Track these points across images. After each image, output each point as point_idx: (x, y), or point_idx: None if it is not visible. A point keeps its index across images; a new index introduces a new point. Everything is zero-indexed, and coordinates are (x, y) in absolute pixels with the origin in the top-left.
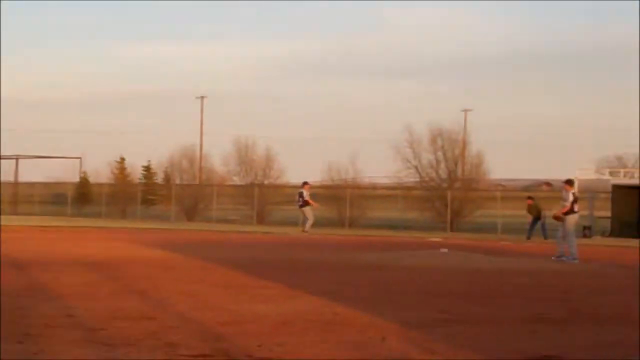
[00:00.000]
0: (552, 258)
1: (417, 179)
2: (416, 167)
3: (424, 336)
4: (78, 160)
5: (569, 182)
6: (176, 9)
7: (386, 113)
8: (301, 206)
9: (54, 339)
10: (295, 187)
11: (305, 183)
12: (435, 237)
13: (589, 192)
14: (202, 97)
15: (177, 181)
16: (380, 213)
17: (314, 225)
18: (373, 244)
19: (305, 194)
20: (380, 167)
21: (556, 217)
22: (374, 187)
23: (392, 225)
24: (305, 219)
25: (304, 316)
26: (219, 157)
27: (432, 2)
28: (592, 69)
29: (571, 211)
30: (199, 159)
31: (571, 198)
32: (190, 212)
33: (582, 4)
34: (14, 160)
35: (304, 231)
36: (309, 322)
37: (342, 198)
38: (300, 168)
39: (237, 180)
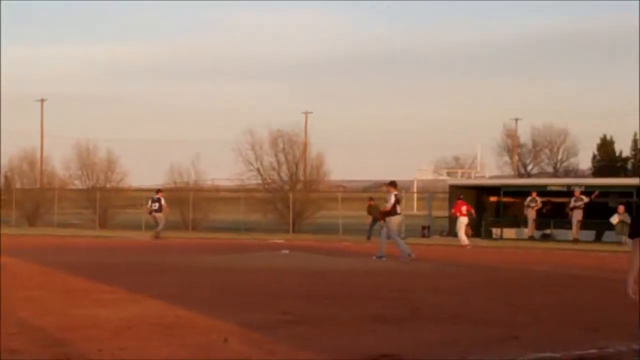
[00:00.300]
0: (373, 257)
1: (260, 181)
2: (258, 170)
3: (266, 337)
4: None
5: (392, 184)
6: (14, 11)
7: (228, 115)
8: (155, 211)
9: None
10: (138, 190)
11: (159, 190)
12: (278, 239)
13: (427, 193)
14: (42, 100)
15: (18, 185)
16: (223, 215)
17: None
18: (216, 246)
19: (163, 200)
20: (223, 170)
21: (379, 218)
22: (216, 189)
23: (235, 228)
24: (157, 225)
25: (146, 320)
26: (60, 161)
27: (273, 4)
28: (429, 71)
29: (393, 212)
30: (39, 163)
31: (393, 199)
32: (32, 217)
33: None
34: None
35: (157, 237)
36: (152, 326)
37: (185, 201)
38: (143, 171)
39: (78, 184)
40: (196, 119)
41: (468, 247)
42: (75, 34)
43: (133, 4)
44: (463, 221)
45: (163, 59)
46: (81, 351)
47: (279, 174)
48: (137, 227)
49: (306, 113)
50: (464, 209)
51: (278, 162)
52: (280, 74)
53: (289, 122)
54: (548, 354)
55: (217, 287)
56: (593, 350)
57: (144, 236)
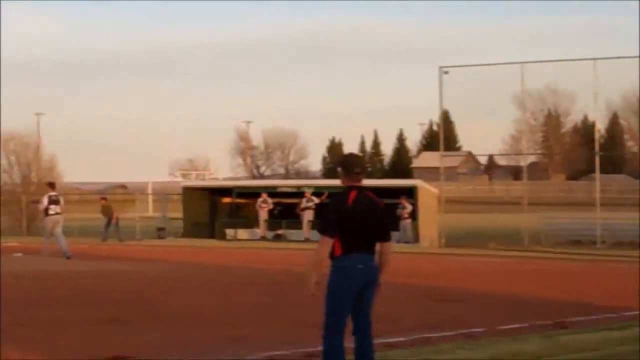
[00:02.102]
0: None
1: None
2: None
3: None
4: None
5: (50, 185)
6: None
7: None
8: None
9: None
10: None
11: None
12: (12, 242)
13: (162, 194)
14: None
15: None
16: None
17: None
18: None
19: None
20: None
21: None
22: None
23: None
24: None
25: None
26: None
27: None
28: (161, 73)
29: (47, 213)
30: None
31: (45, 200)
32: None
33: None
34: None
35: None
36: None
37: None
38: None
39: None
40: None
41: None
42: None
43: None
44: None
45: None
46: None
47: (11, 177)
48: None
49: (38, 114)
50: None
51: (10, 164)
52: (12, 76)
53: (21, 124)
54: (277, 352)
55: None
56: (320, 348)
57: None
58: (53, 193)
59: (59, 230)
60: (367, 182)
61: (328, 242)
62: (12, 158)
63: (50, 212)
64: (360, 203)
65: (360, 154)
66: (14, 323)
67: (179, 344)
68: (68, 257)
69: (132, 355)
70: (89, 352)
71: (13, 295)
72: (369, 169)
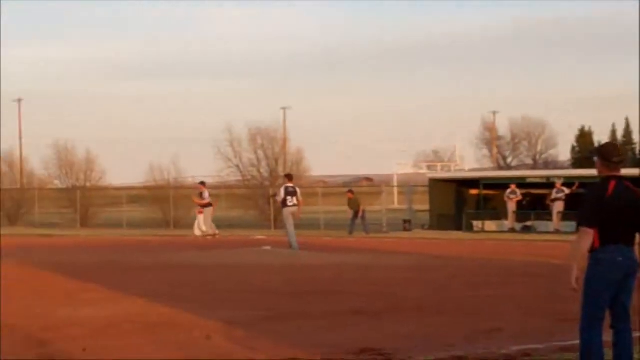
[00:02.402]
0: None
1: (240, 178)
2: (237, 166)
3: (249, 334)
4: None
5: (287, 176)
6: None
7: (206, 112)
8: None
9: None
10: (118, 189)
11: (202, 183)
12: (260, 235)
13: (407, 186)
14: (19, 100)
15: None
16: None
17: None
18: (198, 243)
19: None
20: (203, 167)
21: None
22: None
23: (217, 225)
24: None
25: (128, 318)
26: (39, 161)
27: (248, 2)
28: (406, 65)
29: (284, 204)
30: (19, 163)
31: (283, 192)
32: (13, 217)
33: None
34: None
35: (205, 235)
36: (134, 324)
37: (165, 199)
38: (122, 170)
39: (58, 183)
40: (174, 117)
41: None
42: (51, 34)
43: (106, 3)
44: None
45: (140, 58)
46: (65, 351)
47: (258, 170)
48: (118, 225)
49: (284, 108)
50: None
51: (257, 158)
52: (257, 71)
53: (267, 118)
54: (531, 346)
55: (199, 284)
56: (576, 342)
57: (126, 233)
58: (290, 185)
59: (290, 221)
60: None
61: (589, 234)
62: (260, 152)
63: (289, 203)
64: (619, 193)
65: (617, 143)
66: (266, 317)
67: (426, 336)
68: (296, 249)
69: (381, 348)
70: (337, 344)
71: (264, 288)
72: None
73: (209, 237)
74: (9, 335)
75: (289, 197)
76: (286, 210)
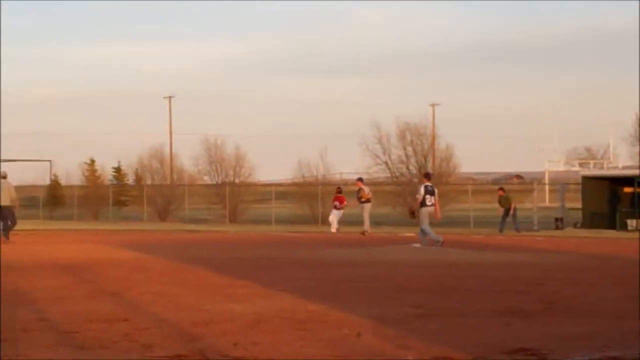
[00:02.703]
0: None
1: (388, 175)
2: (386, 163)
3: (399, 332)
4: (48, 163)
5: (426, 175)
6: (142, 9)
7: (354, 109)
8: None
9: (29, 343)
10: (267, 185)
11: (360, 179)
12: (408, 233)
13: (560, 184)
14: (170, 97)
15: (148, 182)
16: (351, 209)
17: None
18: (345, 240)
19: (365, 190)
20: (350, 164)
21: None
22: (344, 183)
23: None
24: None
25: (278, 314)
26: (189, 157)
27: None
28: (559, 61)
29: (423, 204)
30: (169, 159)
31: (422, 190)
32: (163, 212)
33: None
34: None
35: (363, 233)
36: (284, 320)
37: (313, 195)
38: (270, 166)
39: (207, 179)
40: (322, 114)
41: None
42: (200, 31)
43: (256, 3)
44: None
45: (289, 54)
46: (215, 346)
47: (407, 167)
48: (267, 221)
49: (433, 105)
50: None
51: (406, 155)
52: (406, 67)
53: (415, 114)
54: None
55: (347, 281)
56: None
57: (274, 230)
58: (429, 184)
59: (426, 220)
60: None
61: None
62: (409, 149)
63: (427, 202)
64: None
65: None
66: (416, 314)
67: (582, 337)
68: (440, 243)
69: (535, 348)
70: (489, 343)
71: (412, 285)
72: None
73: (367, 233)
74: (159, 329)
75: (427, 196)
76: (424, 210)
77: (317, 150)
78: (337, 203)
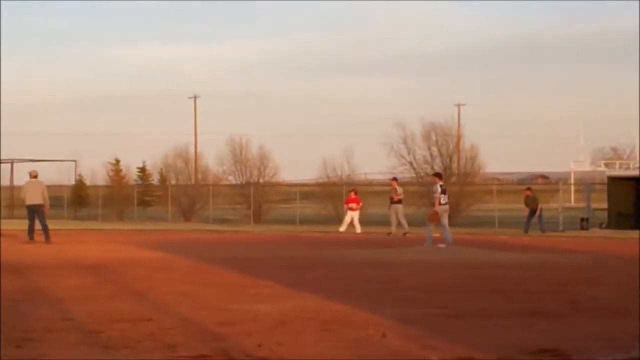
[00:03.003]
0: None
1: (413, 175)
2: (411, 163)
3: (424, 332)
4: (73, 163)
5: (437, 175)
6: (168, 10)
7: (378, 109)
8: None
9: (53, 343)
10: (291, 185)
11: (394, 179)
12: (433, 233)
13: (585, 184)
14: (195, 97)
15: (173, 182)
16: (376, 209)
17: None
18: (369, 240)
19: (398, 190)
20: (375, 164)
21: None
22: (369, 183)
23: (388, 222)
24: (396, 220)
25: (302, 314)
26: (213, 157)
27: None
28: (584, 61)
29: (439, 203)
30: (193, 159)
31: (439, 190)
32: (187, 213)
33: None
34: (9, 165)
35: (405, 234)
36: (308, 321)
37: (338, 195)
38: (295, 166)
39: (232, 179)
40: (346, 114)
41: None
42: (225, 32)
43: (282, 3)
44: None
45: (313, 55)
46: (240, 346)
47: (432, 167)
48: (291, 222)
49: (459, 105)
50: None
51: (431, 155)
52: (432, 67)
53: (440, 114)
54: None
55: (371, 281)
56: None
57: (298, 230)
58: (442, 183)
59: (445, 220)
60: None
61: None
62: (434, 149)
63: (442, 201)
64: None
65: None
66: (440, 315)
67: (605, 338)
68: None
69: (560, 348)
70: (513, 344)
71: (437, 286)
72: None
73: (407, 234)
74: (184, 329)
75: (442, 195)
76: (441, 209)
77: (341, 150)
78: (353, 205)
